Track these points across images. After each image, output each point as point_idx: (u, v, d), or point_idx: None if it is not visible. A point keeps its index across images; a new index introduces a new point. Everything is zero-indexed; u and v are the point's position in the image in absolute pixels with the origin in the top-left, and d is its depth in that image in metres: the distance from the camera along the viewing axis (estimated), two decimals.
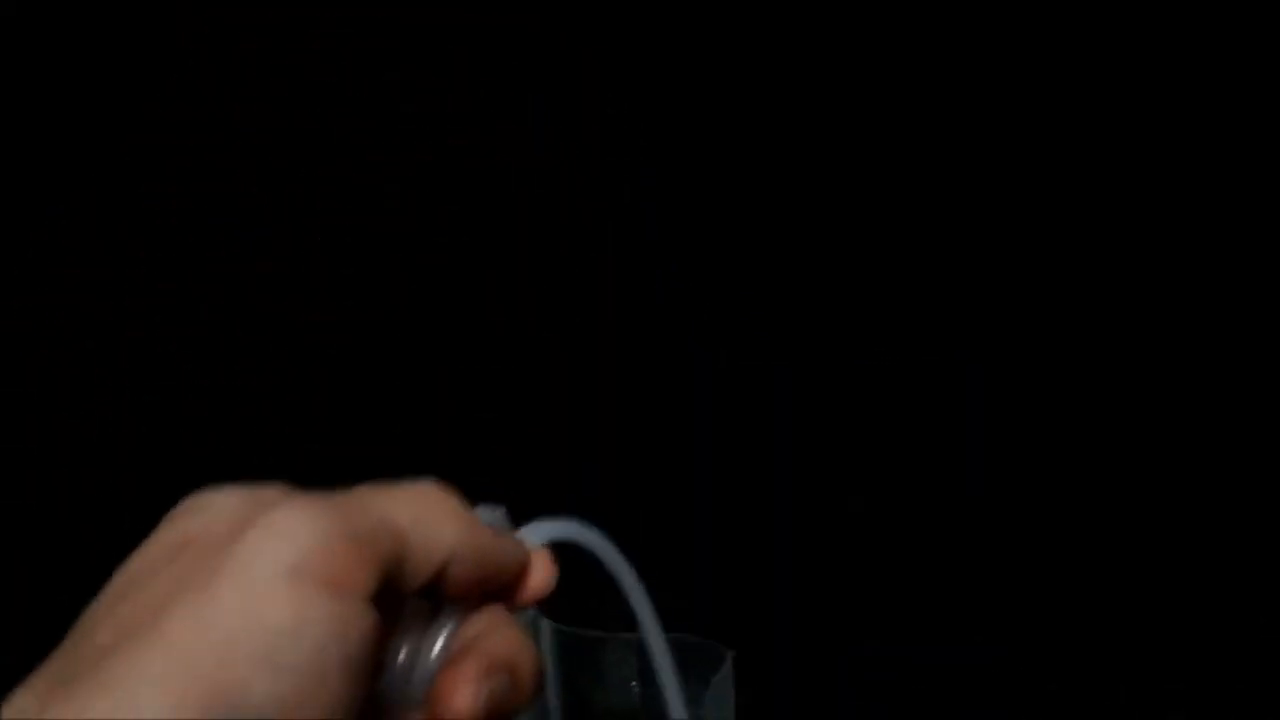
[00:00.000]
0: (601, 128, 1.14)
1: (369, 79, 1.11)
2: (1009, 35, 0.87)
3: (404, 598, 0.39)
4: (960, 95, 0.99)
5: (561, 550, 0.64)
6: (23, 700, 0.31)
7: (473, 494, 0.41)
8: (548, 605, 0.67)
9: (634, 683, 0.66)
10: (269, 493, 0.37)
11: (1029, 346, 1.01)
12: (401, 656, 0.40)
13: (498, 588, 0.42)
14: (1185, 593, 0.91)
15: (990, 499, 0.97)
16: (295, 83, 1.09)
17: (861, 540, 1.02)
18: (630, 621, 0.60)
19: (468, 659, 0.40)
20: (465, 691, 0.38)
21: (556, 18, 1.11)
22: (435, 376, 1.19)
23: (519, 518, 0.46)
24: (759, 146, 1.10)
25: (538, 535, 0.46)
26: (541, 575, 0.44)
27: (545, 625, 0.66)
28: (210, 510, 0.37)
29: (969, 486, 1.01)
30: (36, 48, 0.80)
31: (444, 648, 0.41)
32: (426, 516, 0.38)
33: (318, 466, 0.45)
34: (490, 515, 0.44)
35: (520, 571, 0.43)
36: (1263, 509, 0.90)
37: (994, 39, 0.91)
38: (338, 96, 1.12)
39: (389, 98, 1.13)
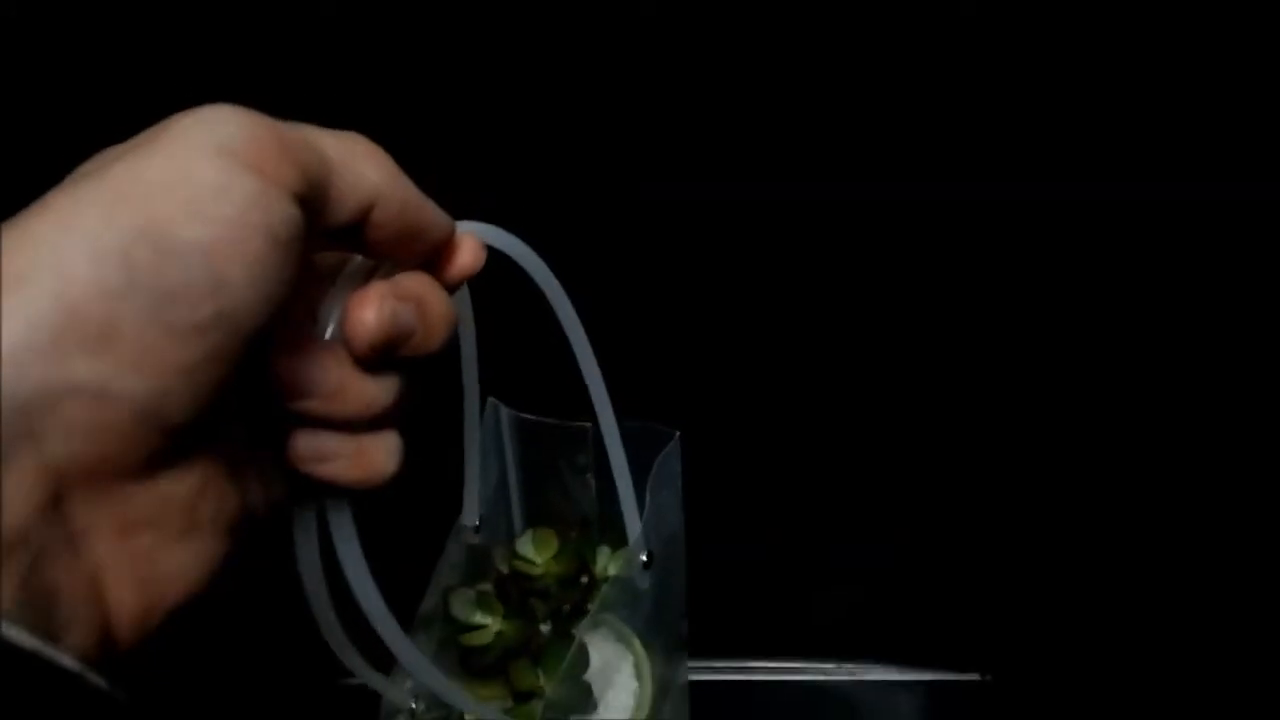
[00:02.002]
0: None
1: (369, 78, 1.13)
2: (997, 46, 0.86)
3: (336, 242, 0.40)
4: (957, 96, 0.99)
5: (524, 342, 0.64)
6: None
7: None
8: (507, 395, 0.68)
9: (590, 473, 0.66)
10: None
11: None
12: (333, 300, 0.42)
13: (425, 251, 0.43)
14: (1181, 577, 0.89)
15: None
16: (296, 82, 1.11)
17: None
18: (587, 410, 0.60)
19: (378, 285, 0.41)
20: (370, 307, 0.40)
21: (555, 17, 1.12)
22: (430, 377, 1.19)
23: None
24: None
25: (474, 228, 0.46)
26: (470, 253, 0.45)
27: (504, 412, 0.66)
28: None
29: None
30: (36, 47, 0.82)
31: (362, 281, 0.42)
32: (355, 153, 0.39)
33: None
34: None
35: (446, 242, 0.44)
36: (1258, 504, 0.88)
37: (987, 45, 0.91)
38: (339, 95, 1.14)
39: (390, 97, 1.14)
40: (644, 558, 0.62)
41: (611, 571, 0.65)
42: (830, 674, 0.90)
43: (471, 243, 0.45)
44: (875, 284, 0.86)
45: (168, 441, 0.34)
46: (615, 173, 0.81)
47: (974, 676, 0.89)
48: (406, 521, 0.61)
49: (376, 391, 0.40)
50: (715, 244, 0.84)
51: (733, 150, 0.82)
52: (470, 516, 0.64)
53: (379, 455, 0.41)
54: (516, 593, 0.64)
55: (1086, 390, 0.88)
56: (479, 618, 0.63)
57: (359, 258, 0.43)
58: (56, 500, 0.32)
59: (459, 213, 0.45)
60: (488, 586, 0.64)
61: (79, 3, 0.79)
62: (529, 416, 0.67)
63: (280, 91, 0.78)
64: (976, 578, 0.92)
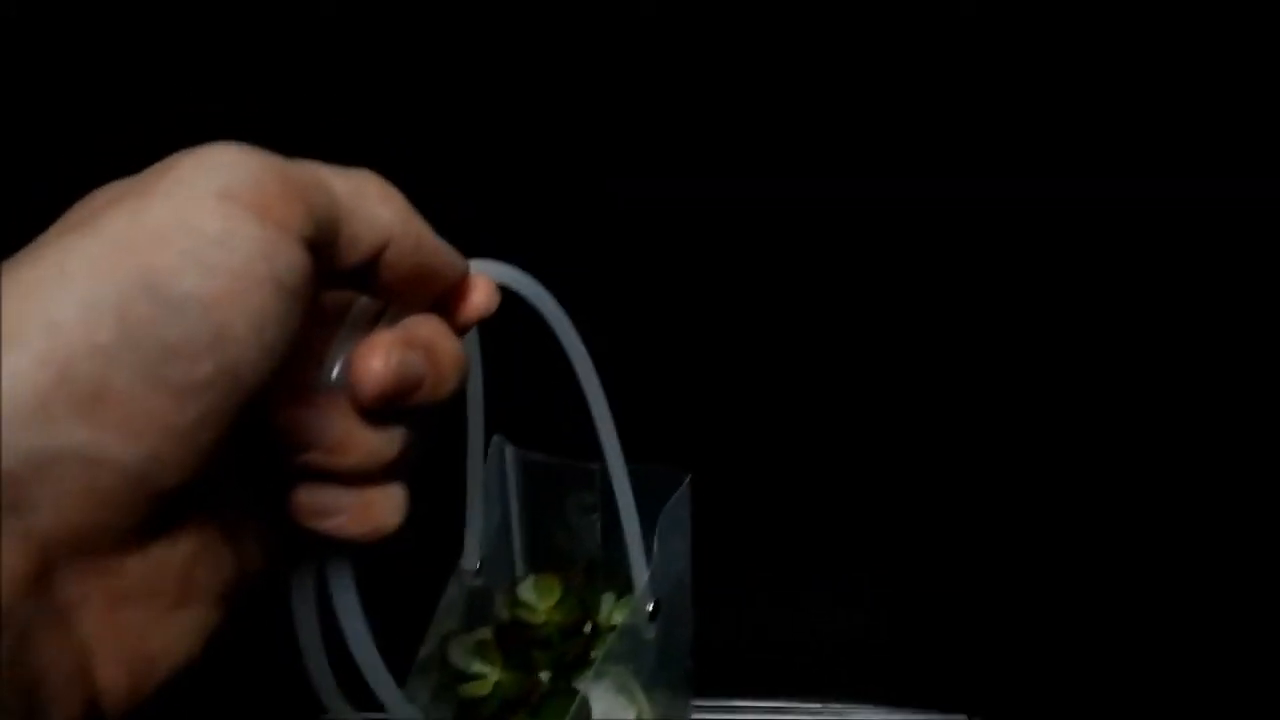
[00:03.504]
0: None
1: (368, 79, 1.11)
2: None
3: (344, 283, 0.38)
4: (948, 89, 0.98)
5: (530, 380, 0.63)
6: None
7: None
8: (513, 434, 0.66)
9: (595, 514, 0.65)
10: None
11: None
12: (339, 346, 0.40)
13: (437, 292, 0.41)
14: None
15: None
16: (296, 83, 1.09)
17: None
18: (593, 451, 0.58)
19: (386, 332, 0.39)
20: (378, 356, 0.37)
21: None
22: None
23: None
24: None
25: (487, 267, 0.44)
26: (483, 294, 0.43)
27: (509, 450, 0.65)
28: None
29: None
30: (36, 48, 0.80)
31: (370, 325, 0.40)
32: (366, 193, 0.37)
33: None
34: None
35: (460, 284, 0.42)
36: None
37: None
38: (338, 97, 1.12)
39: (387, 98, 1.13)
40: (650, 607, 0.60)
41: (616, 620, 0.63)
42: (817, 714, 0.89)
43: (485, 283, 0.43)
44: (893, 314, 0.84)
45: (161, 508, 0.32)
46: (617, 186, 0.79)
47: (960, 717, 0.88)
48: (406, 562, 0.59)
49: (382, 443, 0.38)
50: (725, 273, 0.82)
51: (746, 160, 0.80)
52: (471, 559, 0.62)
53: (383, 509, 0.39)
54: (517, 642, 0.62)
55: (1076, 434, 0.87)
56: (477, 667, 0.61)
57: (366, 299, 0.41)
58: (44, 573, 0.30)
59: (438, 220, 0.44)
60: (487, 634, 0.62)
61: (79, 3, 0.78)
62: (535, 455, 0.65)
63: (247, 87, 0.76)
64: (963, 618, 0.91)
